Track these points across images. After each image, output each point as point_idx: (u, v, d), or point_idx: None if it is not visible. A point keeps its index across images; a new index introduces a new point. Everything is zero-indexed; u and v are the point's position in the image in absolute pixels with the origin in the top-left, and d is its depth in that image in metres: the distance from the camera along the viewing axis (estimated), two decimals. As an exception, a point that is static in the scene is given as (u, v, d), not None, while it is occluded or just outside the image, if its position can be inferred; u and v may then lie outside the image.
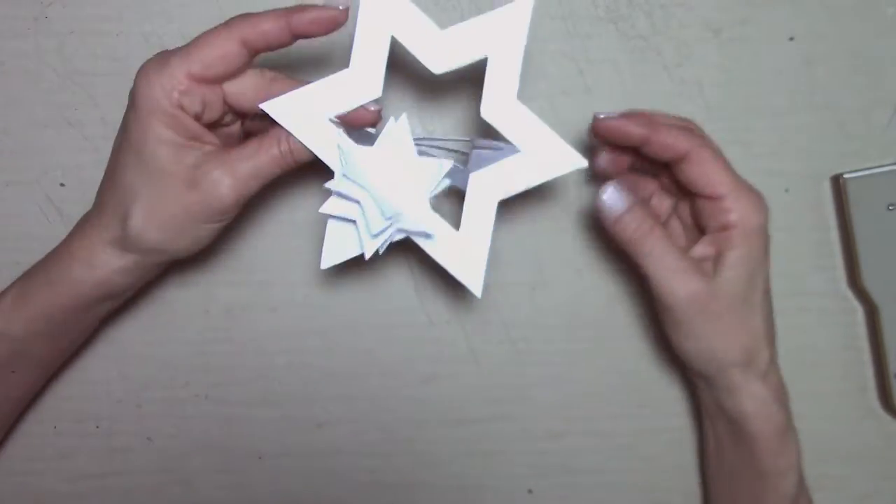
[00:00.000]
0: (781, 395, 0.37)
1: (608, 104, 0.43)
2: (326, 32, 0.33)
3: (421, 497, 0.43)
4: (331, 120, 0.33)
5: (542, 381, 0.43)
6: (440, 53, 0.33)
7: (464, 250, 0.34)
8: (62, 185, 0.42)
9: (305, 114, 0.33)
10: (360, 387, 0.43)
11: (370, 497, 0.43)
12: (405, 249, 0.39)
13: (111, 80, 0.42)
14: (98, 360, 0.42)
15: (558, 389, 0.43)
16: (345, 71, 0.33)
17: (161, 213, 0.33)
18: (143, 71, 0.33)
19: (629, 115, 0.35)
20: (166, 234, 0.34)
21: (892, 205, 0.42)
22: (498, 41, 0.33)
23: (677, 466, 0.43)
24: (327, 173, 0.34)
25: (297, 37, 0.33)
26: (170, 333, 0.42)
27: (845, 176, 0.43)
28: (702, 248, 0.36)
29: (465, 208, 0.34)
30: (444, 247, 0.34)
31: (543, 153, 0.33)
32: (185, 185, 0.33)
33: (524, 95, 0.33)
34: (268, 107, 0.33)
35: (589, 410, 0.43)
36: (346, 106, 0.33)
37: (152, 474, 0.42)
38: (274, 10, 0.33)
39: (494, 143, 0.36)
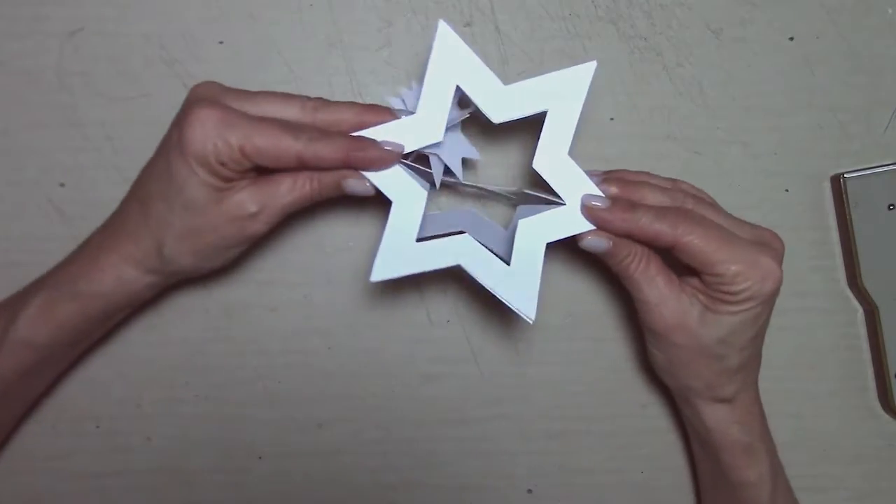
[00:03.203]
0: (746, 418, 0.38)
1: (608, 104, 0.43)
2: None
3: (421, 497, 0.43)
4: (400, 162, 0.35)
5: (542, 381, 0.43)
6: (501, 105, 0.35)
7: (517, 283, 0.35)
8: (62, 185, 0.42)
9: None
10: (360, 387, 0.43)
11: (370, 497, 0.43)
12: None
13: (111, 80, 0.42)
14: (98, 359, 0.42)
15: (558, 389, 0.43)
16: (412, 116, 0.35)
17: (196, 242, 0.35)
18: (199, 117, 0.33)
19: (611, 210, 0.34)
20: (200, 259, 0.36)
21: (892, 205, 0.42)
22: (557, 99, 0.35)
23: (677, 466, 0.44)
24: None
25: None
26: (170, 333, 0.42)
27: (845, 176, 0.43)
28: (698, 283, 0.35)
29: (514, 250, 0.35)
30: (498, 279, 0.35)
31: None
32: (222, 219, 0.34)
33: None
34: None
35: (589, 410, 0.43)
36: (409, 147, 0.35)
37: (152, 474, 0.42)
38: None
39: (541, 194, 0.37)
